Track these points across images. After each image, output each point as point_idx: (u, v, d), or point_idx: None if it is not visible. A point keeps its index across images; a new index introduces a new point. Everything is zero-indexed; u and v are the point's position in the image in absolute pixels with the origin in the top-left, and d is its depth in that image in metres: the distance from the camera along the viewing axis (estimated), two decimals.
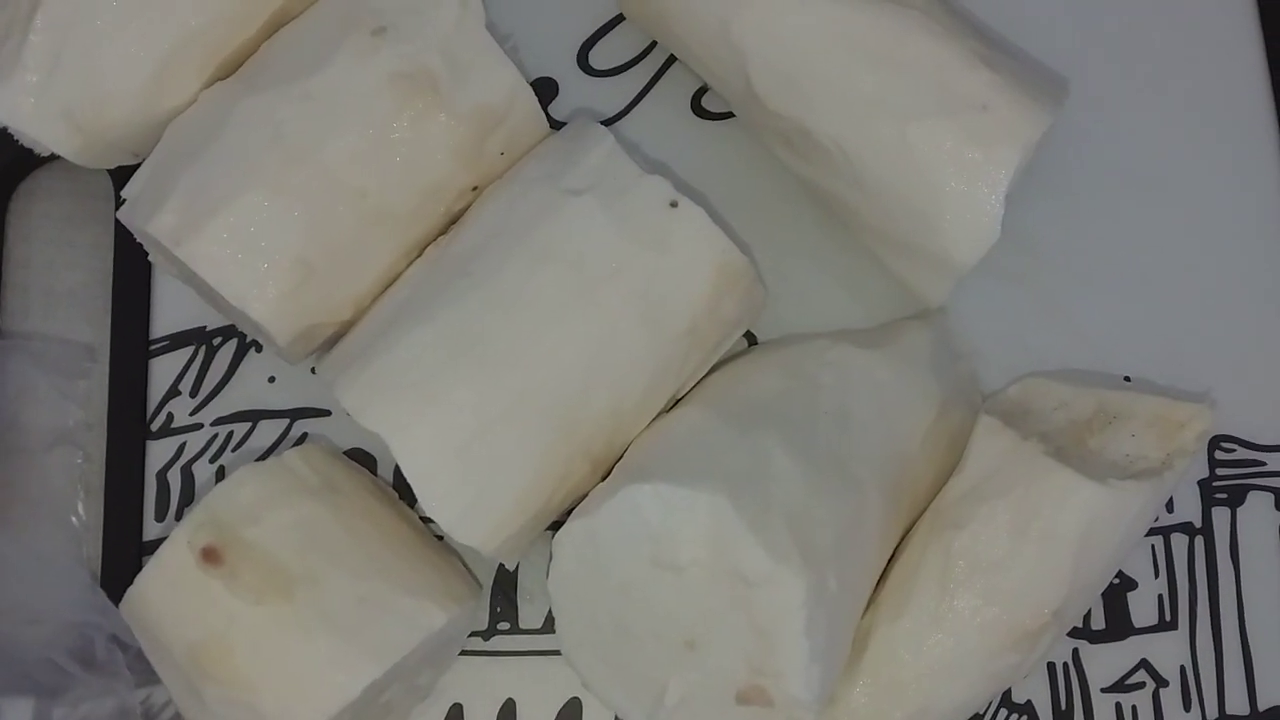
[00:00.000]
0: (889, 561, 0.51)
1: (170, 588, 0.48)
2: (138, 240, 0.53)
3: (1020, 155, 0.48)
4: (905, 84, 0.49)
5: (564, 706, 0.54)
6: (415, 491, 0.47)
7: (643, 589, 0.46)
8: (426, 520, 0.53)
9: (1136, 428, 0.51)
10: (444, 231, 0.52)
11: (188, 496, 0.55)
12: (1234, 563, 0.55)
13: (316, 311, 0.50)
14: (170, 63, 0.50)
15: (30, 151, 0.52)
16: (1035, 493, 0.48)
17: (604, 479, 0.49)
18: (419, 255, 0.51)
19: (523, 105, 0.51)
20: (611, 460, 0.50)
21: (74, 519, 0.56)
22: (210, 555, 0.47)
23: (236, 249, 0.48)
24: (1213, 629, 0.55)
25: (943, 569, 0.49)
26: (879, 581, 0.51)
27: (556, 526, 0.49)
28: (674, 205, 0.49)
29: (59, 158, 0.52)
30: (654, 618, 0.47)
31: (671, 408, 0.51)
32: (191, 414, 0.56)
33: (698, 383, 0.52)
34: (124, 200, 0.51)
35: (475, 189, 0.52)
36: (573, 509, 0.48)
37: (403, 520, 0.52)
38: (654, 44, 0.59)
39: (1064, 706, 0.54)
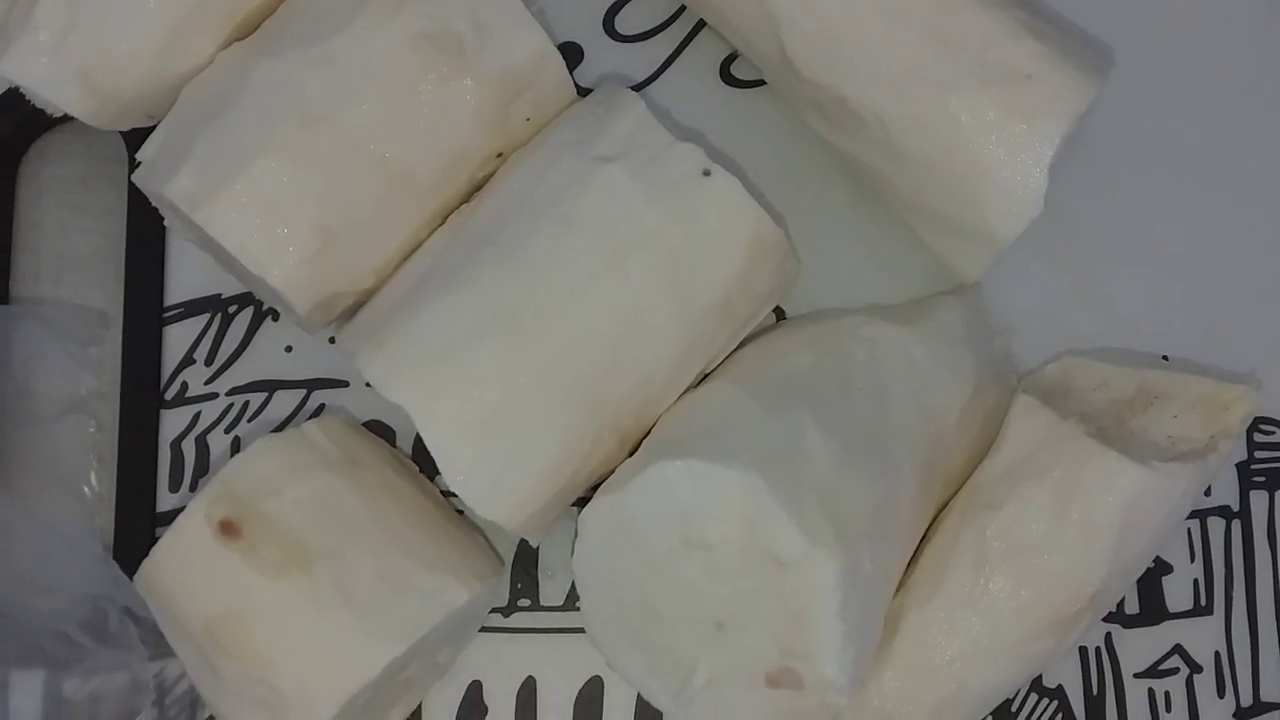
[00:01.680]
0: (921, 542, 0.50)
1: (186, 561, 0.47)
2: (153, 204, 0.51)
3: (1065, 127, 0.47)
4: (947, 53, 0.47)
5: (585, 684, 0.53)
6: (438, 465, 0.45)
7: (671, 568, 0.45)
8: (448, 494, 0.52)
9: (1179, 408, 0.50)
10: (468, 199, 0.50)
11: (202, 467, 0.54)
12: (1271, 547, 0.54)
13: (337, 279, 0.49)
14: (187, 22, 0.49)
15: (42, 112, 0.51)
16: (1075, 474, 0.47)
17: (631, 454, 0.48)
18: (442, 223, 0.50)
19: (550, 70, 0.50)
20: (639, 435, 0.49)
21: (86, 489, 0.55)
22: (228, 528, 0.46)
23: (255, 214, 0.47)
24: (1248, 614, 0.54)
25: (978, 551, 0.48)
26: (910, 562, 0.50)
27: (582, 503, 0.48)
28: (707, 174, 0.47)
29: (71, 119, 0.50)
30: (682, 597, 0.46)
31: (700, 383, 0.50)
32: (206, 383, 0.55)
33: (727, 357, 0.51)
34: (138, 163, 0.50)
35: (500, 155, 0.50)
36: (599, 485, 0.47)
37: (424, 494, 0.51)
38: (682, 8, 0.57)
39: (1096, 692, 0.53)
